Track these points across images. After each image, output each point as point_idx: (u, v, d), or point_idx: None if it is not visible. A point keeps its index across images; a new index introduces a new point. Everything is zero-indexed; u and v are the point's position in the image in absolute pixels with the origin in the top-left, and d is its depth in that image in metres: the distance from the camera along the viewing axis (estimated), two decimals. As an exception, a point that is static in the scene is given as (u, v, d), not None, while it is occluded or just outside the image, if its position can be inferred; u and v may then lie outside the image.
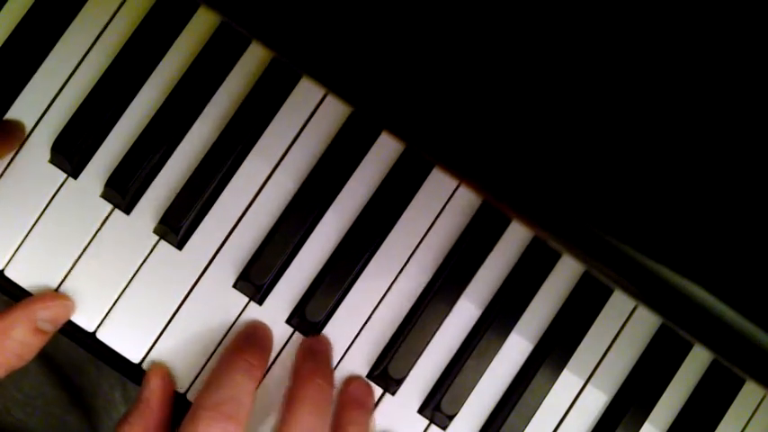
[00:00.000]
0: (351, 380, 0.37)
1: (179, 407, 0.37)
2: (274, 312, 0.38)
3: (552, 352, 0.38)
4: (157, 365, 0.36)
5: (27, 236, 0.37)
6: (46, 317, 0.35)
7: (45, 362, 0.45)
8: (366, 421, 0.36)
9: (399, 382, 0.38)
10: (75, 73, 0.38)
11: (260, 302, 0.38)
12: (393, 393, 0.38)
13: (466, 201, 0.38)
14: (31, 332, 0.34)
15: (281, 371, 0.37)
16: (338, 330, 0.38)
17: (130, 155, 0.37)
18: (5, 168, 0.37)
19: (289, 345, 0.38)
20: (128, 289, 0.37)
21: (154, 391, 0.35)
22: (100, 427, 0.44)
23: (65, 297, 0.36)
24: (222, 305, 0.37)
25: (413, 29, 0.27)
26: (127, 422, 0.34)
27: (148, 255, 0.37)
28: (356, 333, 0.38)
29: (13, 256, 0.37)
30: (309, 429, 0.32)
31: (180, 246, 0.37)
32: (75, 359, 0.45)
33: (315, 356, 0.36)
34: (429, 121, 0.28)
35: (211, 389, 0.32)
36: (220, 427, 0.30)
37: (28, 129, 0.37)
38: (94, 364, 0.37)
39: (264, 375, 0.37)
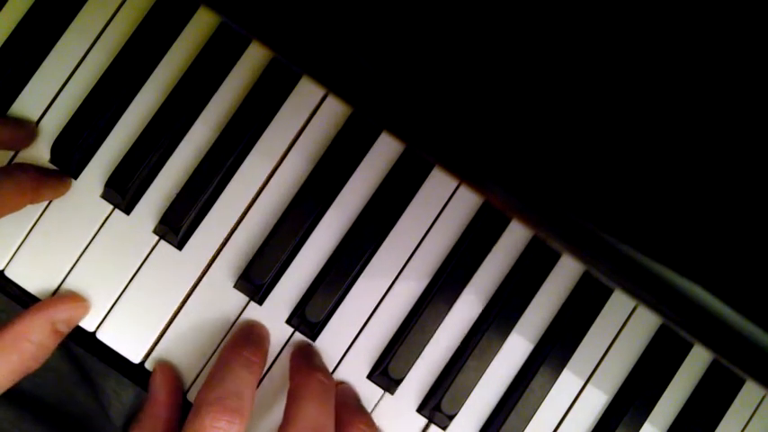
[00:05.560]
0: (339, 382, 0.38)
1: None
2: (274, 312, 0.38)
3: (552, 352, 0.38)
4: (162, 363, 0.37)
5: (27, 236, 0.37)
6: (63, 318, 0.35)
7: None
8: (369, 417, 0.36)
9: (399, 382, 0.38)
10: (75, 73, 0.38)
11: (260, 302, 0.38)
12: (393, 393, 0.38)
13: (466, 201, 0.38)
14: (50, 334, 0.34)
15: (280, 371, 0.37)
16: (338, 330, 0.38)
17: (130, 155, 0.37)
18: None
19: (289, 345, 0.38)
20: (128, 289, 0.37)
21: (160, 386, 0.36)
22: (107, 407, 0.44)
23: (81, 298, 0.37)
24: (222, 305, 0.37)
25: (412, 29, 0.27)
26: (137, 423, 0.35)
27: (148, 255, 0.37)
28: (356, 333, 0.38)
29: (14, 256, 0.37)
30: (315, 424, 0.32)
31: (180, 246, 0.37)
32: None
33: (310, 356, 0.36)
34: (429, 121, 0.28)
35: (213, 383, 0.32)
36: (226, 420, 0.30)
37: (28, 129, 0.37)
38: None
39: (264, 376, 0.37)
